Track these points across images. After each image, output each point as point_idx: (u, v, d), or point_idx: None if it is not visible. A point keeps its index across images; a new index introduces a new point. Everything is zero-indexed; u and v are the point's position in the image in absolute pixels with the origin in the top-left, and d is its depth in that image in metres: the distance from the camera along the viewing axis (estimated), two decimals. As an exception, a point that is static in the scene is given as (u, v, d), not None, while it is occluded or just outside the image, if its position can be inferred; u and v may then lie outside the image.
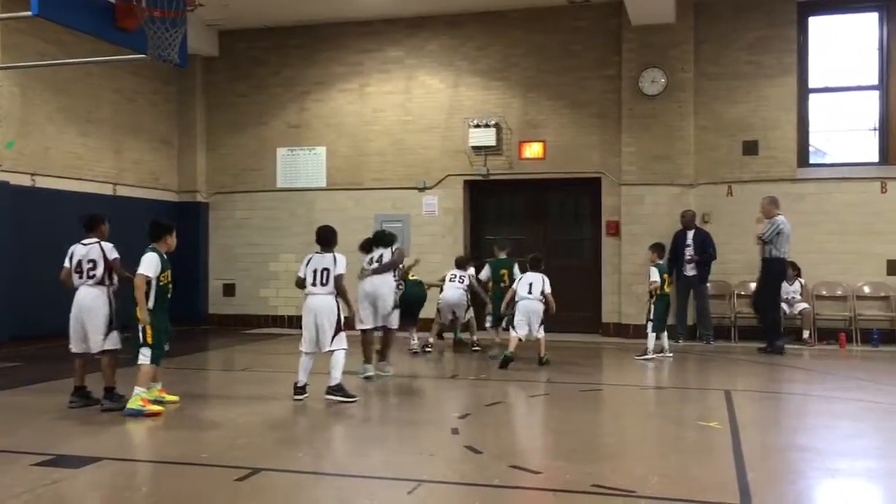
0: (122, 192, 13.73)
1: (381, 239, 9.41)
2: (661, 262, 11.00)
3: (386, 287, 9.13)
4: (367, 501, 4.94)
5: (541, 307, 10.13)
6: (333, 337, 7.73)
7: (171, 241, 7.55)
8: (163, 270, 7.30)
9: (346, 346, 7.81)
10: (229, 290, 15.28)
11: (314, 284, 7.78)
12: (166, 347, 7.49)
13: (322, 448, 6.41)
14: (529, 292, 10.17)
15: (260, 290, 15.05)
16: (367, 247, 9.45)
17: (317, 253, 7.94)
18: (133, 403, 7.13)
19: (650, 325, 10.79)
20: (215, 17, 14.31)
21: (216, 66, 15.31)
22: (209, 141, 15.41)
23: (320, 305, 7.75)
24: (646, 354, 10.69)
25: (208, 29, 14.85)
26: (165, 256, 7.37)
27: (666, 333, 10.98)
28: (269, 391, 8.61)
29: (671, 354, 10.86)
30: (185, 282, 14.59)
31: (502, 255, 11.73)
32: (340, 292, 7.78)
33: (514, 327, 10.11)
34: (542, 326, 10.15)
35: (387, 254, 9.20)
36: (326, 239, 8.00)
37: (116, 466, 5.63)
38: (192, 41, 12.34)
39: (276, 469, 5.54)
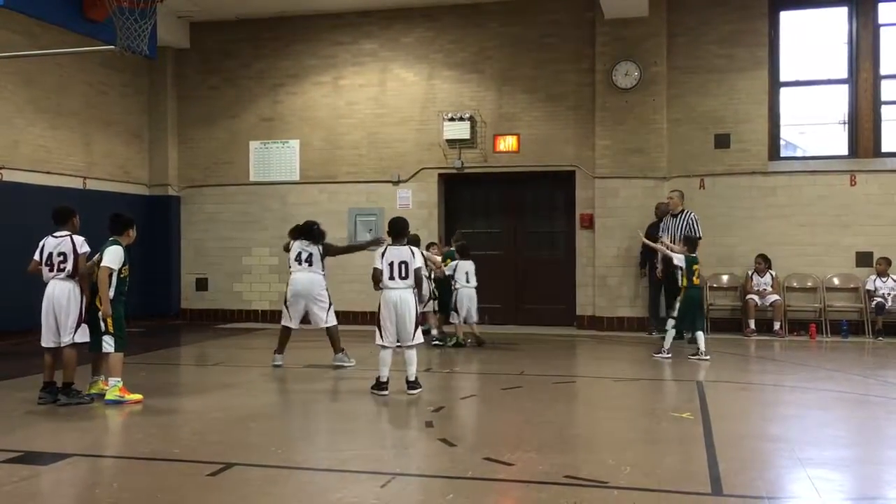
0: (92, 185, 13.55)
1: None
2: (693, 254, 10.31)
3: (317, 286, 9.41)
4: (340, 495, 4.92)
5: (475, 294, 11.15)
6: (414, 332, 7.70)
7: (132, 234, 7.63)
8: (124, 263, 7.36)
9: (422, 341, 7.93)
10: (202, 284, 15.16)
11: (392, 278, 7.64)
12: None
13: (295, 442, 6.38)
14: (467, 281, 11.14)
15: (233, 284, 14.94)
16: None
17: (391, 245, 7.78)
18: (111, 394, 7.23)
19: (672, 321, 10.34)
20: (186, 9, 14.16)
21: (187, 59, 15.15)
22: (180, 134, 15.26)
23: (401, 299, 7.64)
24: (661, 352, 10.20)
25: (179, 20, 14.69)
26: (127, 250, 7.44)
27: (701, 333, 10.21)
28: (242, 386, 8.55)
29: (707, 356, 10.05)
30: (157, 276, 14.54)
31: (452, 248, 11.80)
32: (418, 285, 7.74)
33: (456, 313, 11.06)
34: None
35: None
36: (398, 230, 7.82)
37: (87, 463, 5.57)
38: (163, 33, 12.24)
39: (248, 464, 5.50)
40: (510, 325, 13.60)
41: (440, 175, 14.18)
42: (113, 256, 7.26)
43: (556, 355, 11.12)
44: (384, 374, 7.76)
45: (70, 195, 12.87)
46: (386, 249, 7.77)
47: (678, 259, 10.26)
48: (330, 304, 9.58)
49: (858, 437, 6.69)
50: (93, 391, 7.53)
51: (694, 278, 10.23)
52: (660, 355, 10.22)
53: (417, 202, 14.18)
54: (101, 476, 5.33)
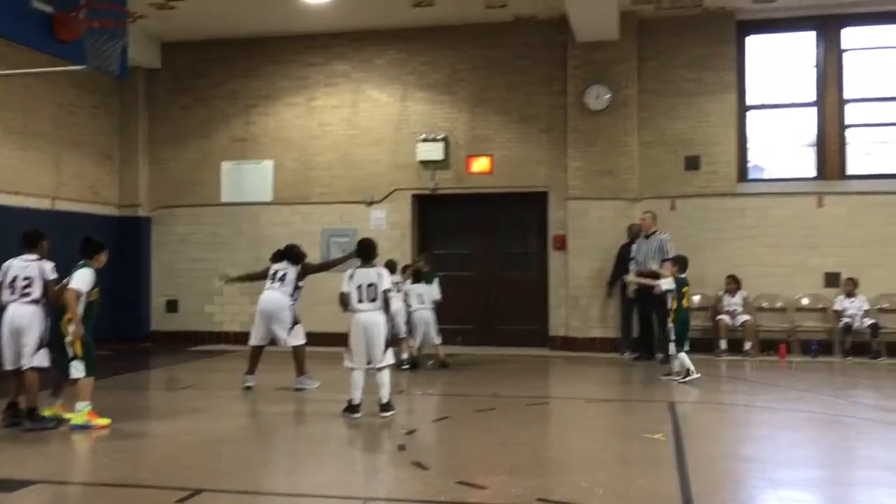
0: (61, 206, 13.37)
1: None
2: (682, 275, 10.36)
3: (281, 306, 9.46)
4: (311, 521, 4.87)
5: (432, 315, 11.07)
6: (384, 352, 7.73)
7: (103, 258, 7.53)
8: (94, 286, 7.28)
9: (393, 362, 7.91)
10: (172, 306, 14.98)
11: (360, 301, 7.67)
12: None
13: (266, 467, 6.29)
14: (421, 303, 11.04)
15: (204, 306, 14.77)
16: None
17: (359, 268, 7.81)
18: (79, 419, 7.10)
19: (672, 345, 10.16)
20: (158, 29, 14.10)
21: (159, 79, 15.05)
22: (151, 154, 15.13)
23: (370, 322, 7.66)
24: (680, 375, 9.98)
25: (151, 40, 14.61)
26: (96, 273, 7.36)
27: (685, 355, 10.11)
28: (212, 409, 8.45)
29: (698, 374, 9.95)
30: (127, 298, 14.34)
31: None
32: (386, 307, 7.84)
33: (411, 336, 11.00)
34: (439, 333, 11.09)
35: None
36: (367, 252, 7.87)
37: (52, 490, 5.45)
38: (134, 53, 12.15)
39: (219, 490, 5.43)
40: (483, 346, 13.57)
41: (414, 196, 14.18)
42: (82, 279, 7.19)
43: (530, 376, 11.11)
44: (356, 396, 7.71)
45: (38, 216, 12.71)
46: (354, 272, 7.78)
47: (666, 284, 10.31)
48: (294, 324, 9.51)
49: (829, 457, 6.75)
50: (47, 413, 7.35)
51: (684, 301, 10.32)
52: (680, 379, 9.96)
53: (391, 223, 14.16)
54: (67, 503, 5.22)
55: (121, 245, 14.27)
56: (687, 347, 10.20)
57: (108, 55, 8.38)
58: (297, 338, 9.55)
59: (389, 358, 7.77)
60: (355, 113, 14.40)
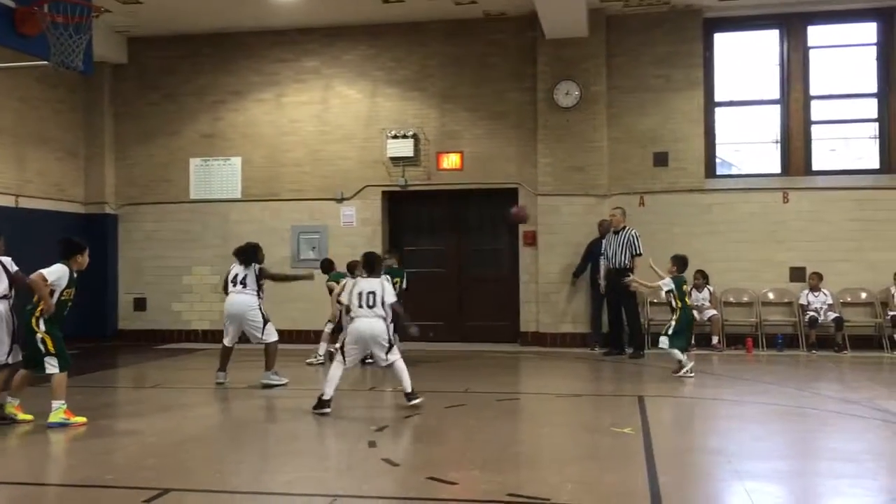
0: (25, 203, 13.16)
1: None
2: (681, 274, 10.37)
3: (248, 307, 9.46)
4: (280, 519, 4.84)
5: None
6: (388, 352, 7.89)
7: (82, 259, 7.46)
8: (68, 286, 7.19)
9: (398, 357, 7.98)
10: (140, 304, 14.81)
11: (360, 307, 7.85)
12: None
13: (235, 465, 6.25)
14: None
15: (172, 303, 14.63)
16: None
17: (362, 278, 8.09)
18: (55, 417, 7.04)
19: (665, 339, 10.07)
20: (124, 24, 13.92)
21: (125, 74, 14.86)
22: (118, 151, 14.93)
23: (368, 327, 7.83)
24: (684, 369, 9.93)
25: (117, 35, 14.43)
26: (74, 274, 7.27)
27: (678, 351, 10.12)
28: (180, 408, 8.37)
29: (692, 373, 9.97)
30: (94, 296, 14.12)
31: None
32: (394, 315, 8.10)
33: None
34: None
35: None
36: (372, 266, 8.13)
37: (14, 491, 5.36)
38: (100, 48, 11.97)
39: (186, 489, 5.38)
40: (454, 343, 13.59)
41: (384, 192, 14.15)
42: (54, 271, 7.13)
43: (500, 372, 11.14)
44: (328, 391, 7.70)
45: (1, 214, 12.51)
46: (357, 283, 8.05)
47: (665, 284, 10.34)
48: (265, 322, 9.49)
49: (794, 449, 6.85)
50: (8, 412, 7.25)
51: (686, 299, 10.43)
52: (683, 373, 9.97)
53: (361, 220, 14.12)
54: (31, 505, 5.14)
55: (87, 243, 14.08)
56: (692, 343, 10.77)
57: (72, 50, 8.26)
58: (271, 335, 9.51)
59: (395, 353, 7.94)
60: (325, 109, 14.34)
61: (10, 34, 8.48)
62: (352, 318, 8.06)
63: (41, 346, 7.11)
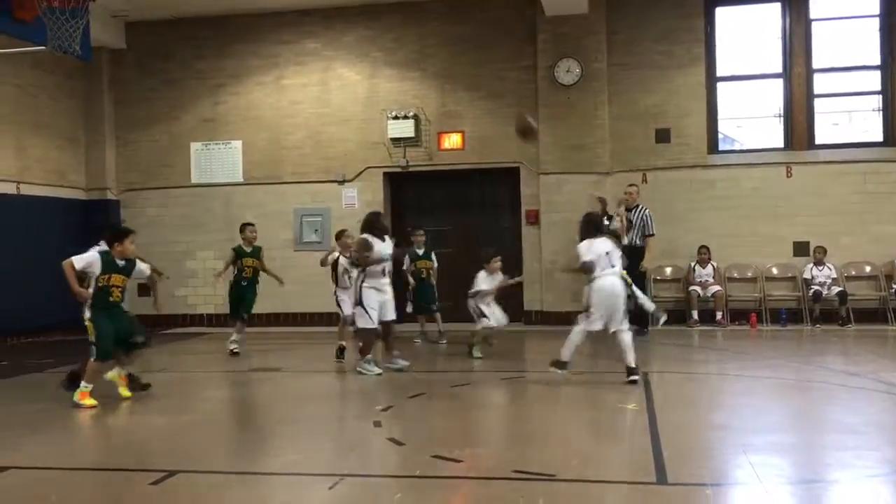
0: (27, 190, 13.17)
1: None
2: None
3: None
4: (287, 499, 4.87)
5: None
6: (625, 317, 7.94)
7: (122, 248, 7.63)
8: (104, 272, 7.40)
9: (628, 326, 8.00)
10: (144, 289, 14.77)
11: (603, 268, 7.88)
12: (140, 340, 7.81)
13: (240, 447, 6.29)
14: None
15: (177, 289, 14.64)
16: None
17: (595, 238, 8.10)
18: (75, 395, 7.38)
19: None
20: (121, 8, 13.84)
21: (124, 59, 14.81)
22: (118, 136, 14.91)
23: (613, 285, 7.85)
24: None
25: (114, 20, 14.34)
26: (117, 260, 7.50)
27: None
28: (186, 392, 8.40)
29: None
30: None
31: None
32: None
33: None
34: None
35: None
36: (597, 225, 8.32)
37: (24, 476, 5.39)
38: (98, 33, 11.95)
39: (193, 471, 5.40)
40: (458, 323, 13.57)
41: (385, 174, 14.12)
42: (81, 257, 7.40)
43: (505, 352, 11.15)
44: (567, 354, 8.03)
45: (3, 201, 12.53)
46: (592, 243, 8.06)
47: None
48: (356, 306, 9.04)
49: (798, 422, 6.86)
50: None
51: None
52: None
53: (363, 201, 14.09)
54: (40, 489, 5.15)
55: (88, 229, 14.09)
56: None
57: (69, 35, 8.24)
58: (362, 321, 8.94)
59: (626, 322, 7.98)
60: (325, 91, 14.28)
61: (6, 20, 8.45)
62: (593, 279, 7.94)
63: (88, 333, 7.41)
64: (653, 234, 11.82)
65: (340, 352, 9.78)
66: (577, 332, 8.03)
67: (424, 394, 8.00)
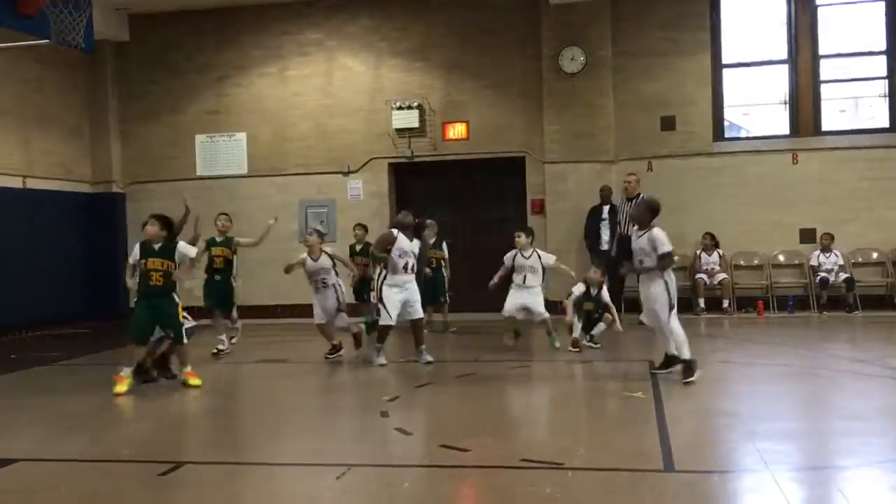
0: (33, 184, 13.19)
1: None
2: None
3: None
4: (296, 489, 4.88)
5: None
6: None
7: (147, 229, 7.94)
8: (142, 257, 7.75)
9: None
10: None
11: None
12: (157, 335, 7.99)
13: (247, 438, 6.31)
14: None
15: (183, 281, 14.62)
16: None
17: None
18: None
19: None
20: (124, 1, 13.82)
21: (128, 52, 14.79)
22: (123, 130, 14.92)
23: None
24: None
25: (118, 13, 14.32)
26: (150, 245, 7.79)
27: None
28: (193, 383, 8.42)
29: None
30: (105, 275, 14.20)
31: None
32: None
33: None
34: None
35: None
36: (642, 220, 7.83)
37: (32, 468, 5.42)
38: (101, 26, 11.94)
39: (200, 462, 5.44)
40: (463, 313, 13.59)
41: (390, 165, 14.11)
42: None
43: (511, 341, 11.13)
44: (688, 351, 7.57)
45: (9, 195, 12.56)
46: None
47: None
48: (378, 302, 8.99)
49: (805, 409, 6.86)
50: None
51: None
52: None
53: (369, 192, 14.09)
54: (48, 481, 5.18)
55: (95, 222, 14.19)
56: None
57: (72, 28, 8.23)
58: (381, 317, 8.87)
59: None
60: (329, 82, 14.26)
61: (11, 15, 8.48)
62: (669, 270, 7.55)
63: None
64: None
65: (334, 350, 9.38)
66: (678, 328, 7.60)
67: (432, 384, 8.02)
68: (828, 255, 12.61)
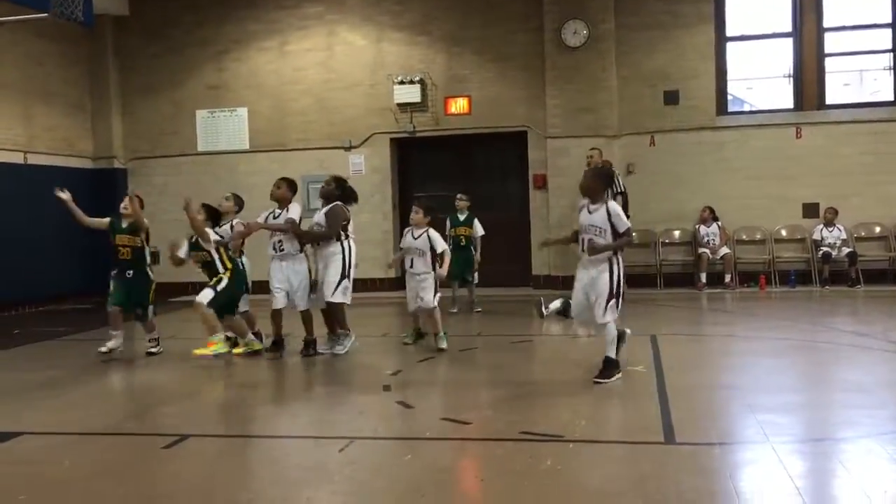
0: (34, 160, 13.17)
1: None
2: None
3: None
4: (298, 461, 4.91)
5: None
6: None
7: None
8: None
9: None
10: (153, 257, 14.77)
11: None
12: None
13: (251, 411, 6.34)
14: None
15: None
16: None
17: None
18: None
19: None
20: (124, -25, 13.72)
21: (128, 26, 14.70)
22: (124, 104, 14.86)
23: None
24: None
25: (117, -13, 14.22)
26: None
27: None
28: (195, 358, 8.44)
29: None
30: (105, 251, 14.17)
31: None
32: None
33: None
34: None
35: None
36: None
37: (37, 441, 5.45)
38: (100, 0, 11.84)
39: (204, 434, 5.46)
40: (466, 288, 13.59)
41: (392, 139, 14.06)
42: None
43: (512, 315, 11.17)
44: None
45: (10, 171, 12.54)
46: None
47: None
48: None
49: (806, 382, 6.88)
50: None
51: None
52: None
53: (371, 167, 14.06)
54: (52, 454, 5.21)
55: (96, 197, 14.11)
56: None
57: (71, 2, 8.16)
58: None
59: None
60: (330, 56, 14.17)
61: (9, -12, 8.40)
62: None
63: None
64: (622, 192, 11.47)
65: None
66: (612, 327, 6.49)
67: (433, 358, 8.04)
68: (831, 229, 12.58)
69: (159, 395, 6.75)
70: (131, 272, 8.25)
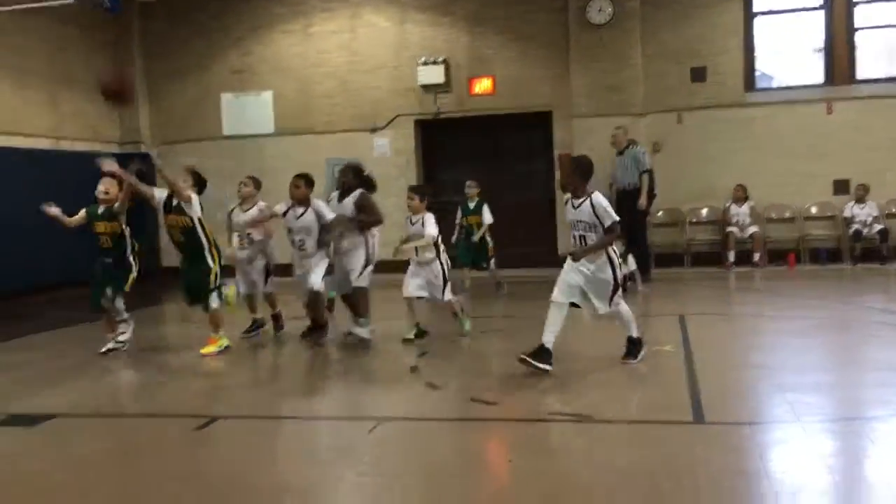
0: (62, 146, 13.31)
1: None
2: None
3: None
4: (328, 442, 4.96)
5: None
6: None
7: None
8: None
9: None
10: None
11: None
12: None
13: (280, 393, 6.40)
14: None
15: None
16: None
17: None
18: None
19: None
20: (148, -40, 13.76)
21: (153, 12, 14.73)
22: (151, 90, 14.96)
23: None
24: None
25: (142, -27, 14.28)
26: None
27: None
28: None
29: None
30: (136, 235, 14.31)
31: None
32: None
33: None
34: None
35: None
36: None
37: (72, 423, 5.56)
38: (125, -15, 11.88)
39: (235, 416, 5.53)
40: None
41: (416, 121, 14.03)
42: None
43: (539, 296, 11.07)
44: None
45: (39, 157, 12.68)
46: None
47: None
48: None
49: (837, 361, 6.81)
50: None
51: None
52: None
53: (395, 149, 14.05)
54: (87, 435, 5.31)
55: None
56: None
57: (97, -12, 8.21)
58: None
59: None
60: (354, 38, 14.14)
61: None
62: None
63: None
64: (649, 170, 11.44)
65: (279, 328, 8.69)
66: (625, 306, 6.51)
67: (459, 339, 8.04)
68: (862, 206, 12.39)
69: (190, 378, 6.83)
70: (110, 260, 7.73)
